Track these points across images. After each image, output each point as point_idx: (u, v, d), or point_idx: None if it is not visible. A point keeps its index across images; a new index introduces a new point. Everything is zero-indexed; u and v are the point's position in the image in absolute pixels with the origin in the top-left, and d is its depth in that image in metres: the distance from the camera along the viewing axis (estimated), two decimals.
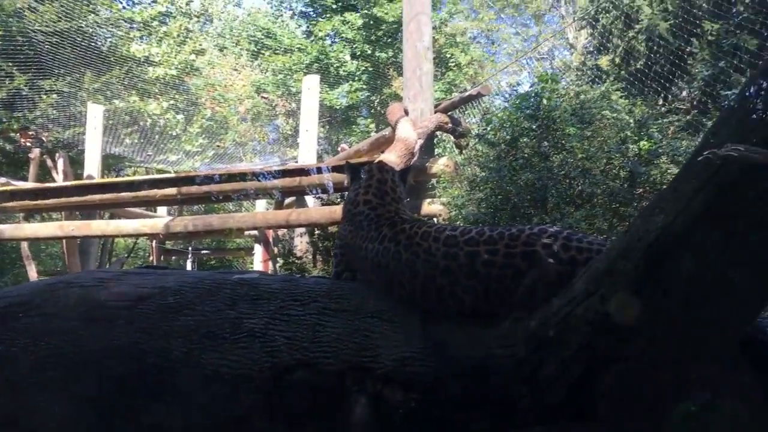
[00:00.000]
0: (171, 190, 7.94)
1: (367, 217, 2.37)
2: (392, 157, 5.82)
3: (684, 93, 10.00)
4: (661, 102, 9.67)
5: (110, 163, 18.42)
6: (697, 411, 1.72)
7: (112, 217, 14.00)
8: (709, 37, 9.47)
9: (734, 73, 8.75)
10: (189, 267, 17.06)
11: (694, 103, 9.76)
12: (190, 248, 16.94)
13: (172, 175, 9.84)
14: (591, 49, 12.75)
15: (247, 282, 2.46)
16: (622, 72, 10.47)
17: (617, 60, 11.16)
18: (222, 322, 2.27)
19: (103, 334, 2.35)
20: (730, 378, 1.76)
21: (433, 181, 6.96)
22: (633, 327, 1.63)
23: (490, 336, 1.99)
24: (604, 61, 11.67)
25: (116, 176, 19.88)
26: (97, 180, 10.76)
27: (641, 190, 5.02)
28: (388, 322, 2.16)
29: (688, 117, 6.82)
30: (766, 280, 1.47)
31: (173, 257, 18.66)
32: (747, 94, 1.49)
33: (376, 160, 5.40)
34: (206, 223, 8.27)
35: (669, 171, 4.98)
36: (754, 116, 1.43)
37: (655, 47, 10.29)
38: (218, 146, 20.84)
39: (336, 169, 7.91)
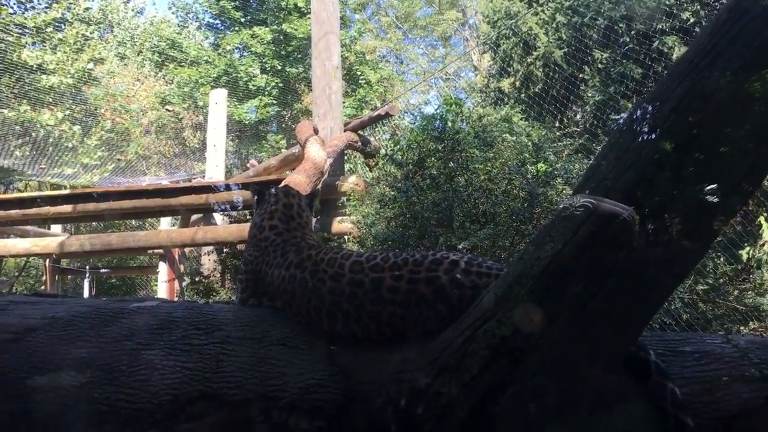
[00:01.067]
0: (66, 208, 7.50)
1: (272, 243, 2.36)
2: (301, 177, 5.80)
3: (578, 116, 10.64)
4: (557, 124, 10.24)
5: None
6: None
7: (0, 235, 13.04)
8: (599, 65, 10.14)
9: (622, 99, 9.41)
10: (86, 287, 16.10)
11: (587, 126, 10.40)
12: (87, 267, 15.99)
13: (67, 191, 9.29)
14: (493, 72, 13.31)
15: (147, 310, 2.37)
16: (522, 95, 11.00)
17: (517, 83, 11.71)
18: (118, 354, 2.17)
19: None
20: (616, 396, 1.88)
21: (343, 199, 7.00)
22: (527, 349, 1.71)
23: (395, 361, 2.03)
24: (505, 84, 12.20)
25: (5, 190, 18.54)
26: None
27: (539, 210, 5.28)
28: (294, 349, 2.15)
29: (580, 140, 7.27)
30: (645, 306, 1.59)
31: (69, 276, 17.57)
32: (623, 128, 1.62)
33: (282, 183, 5.36)
34: (105, 242, 7.87)
35: (564, 191, 5.28)
36: (629, 150, 1.55)
37: (551, 73, 10.89)
38: (119, 159, 19.90)
39: (245, 186, 7.77)
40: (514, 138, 5.41)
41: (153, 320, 2.31)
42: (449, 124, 5.08)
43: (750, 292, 6.35)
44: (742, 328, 5.82)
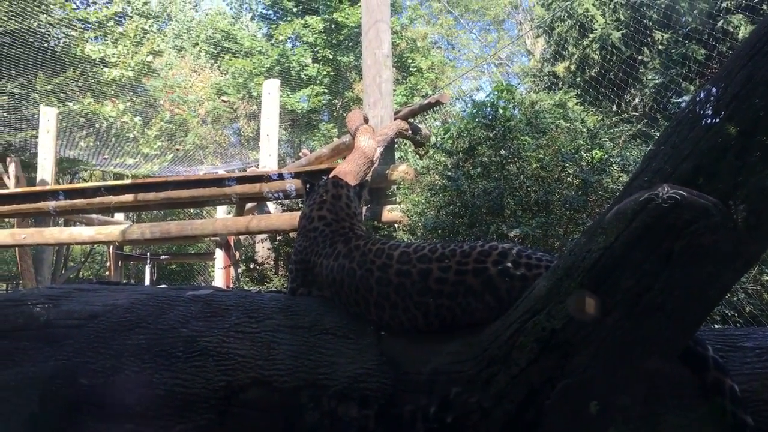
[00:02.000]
0: (127, 197, 7.79)
1: (321, 233, 2.39)
2: (351, 167, 5.83)
3: (636, 100, 10.29)
4: (614, 109, 9.93)
5: (65, 166, 17.95)
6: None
7: (67, 223, 13.65)
8: (660, 47, 9.77)
9: (684, 82, 9.04)
10: (147, 273, 16.74)
11: (646, 110, 10.05)
12: (148, 254, 16.61)
13: (128, 181, 9.64)
14: (547, 56, 13.01)
15: (201, 298, 2.45)
16: (577, 79, 10.71)
17: (572, 67, 11.41)
18: (175, 341, 2.25)
19: (52, 354, 2.31)
20: (673, 392, 1.83)
21: (393, 188, 7.00)
22: (577, 342, 1.68)
23: (442, 352, 2.03)
24: (560, 68, 11.91)
25: (71, 180, 19.39)
26: (51, 186, 10.47)
27: (594, 197, 5.15)
28: (343, 339, 2.17)
29: (639, 126, 7.03)
30: (702, 301, 1.53)
31: (131, 263, 18.30)
32: (680, 119, 1.55)
33: (332, 173, 5.40)
34: (164, 230, 8.14)
35: (620, 179, 5.13)
36: (690, 136, 1.49)
37: (608, 55, 10.56)
38: (177, 149, 20.50)
39: (297, 175, 7.87)
40: (569, 124, 5.28)
41: (207, 308, 2.38)
42: (500, 111, 4.99)
43: None
44: None
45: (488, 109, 5.05)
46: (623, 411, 1.79)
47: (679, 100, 9.01)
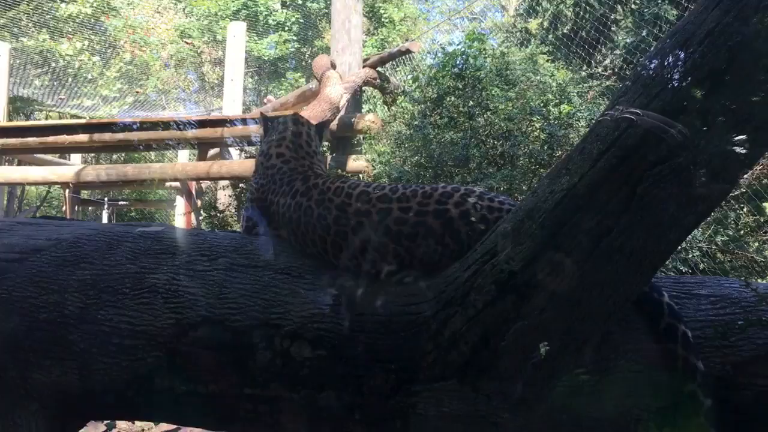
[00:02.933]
0: (82, 137, 7.49)
1: (279, 171, 2.29)
2: (315, 112, 5.68)
3: (607, 60, 10.26)
4: (585, 68, 9.90)
5: (18, 106, 17.20)
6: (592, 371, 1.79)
7: (20, 164, 13.16)
8: (633, 6, 9.70)
9: (654, 42, 9.03)
10: (105, 218, 16.34)
11: (616, 70, 10.03)
12: (107, 199, 16.17)
13: (84, 120, 9.27)
14: (521, 11, 12.84)
15: (151, 235, 2.35)
16: (550, 36, 10.61)
17: (545, 23, 11.29)
18: (122, 277, 2.17)
19: None
20: (625, 337, 1.83)
21: (359, 137, 6.89)
22: (534, 285, 1.65)
23: (398, 294, 1.99)
24: (533, 24, 11.78)
25: (26, 120, 18.62)
26: (2, 123, 9.99)
27: (559, 152, 5.14)
28: (298, 278, 2.11)
29: (608, 82, 7.02)
30: (662, 244, 1.51)
31: (89, 208, 17.84)
32: (652, 59, 1.50)
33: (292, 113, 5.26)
34: (120, 173, 7.88)
35: (583, 134, 5.12)
36: (657, 81, 1.44)
37: (581, 12, 10.46)
38: (138, 92, 19.82)
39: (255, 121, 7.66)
40: (538, 77, 5.21)
41: (157, 245, 2.29)
42: (471, 60, 4.89)
43: None
44: (760, 279, 5.72)
45: (458, 59, 4.94)
46: (575, 355, 1.79)
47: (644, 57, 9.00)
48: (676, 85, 1.38)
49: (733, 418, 1.73)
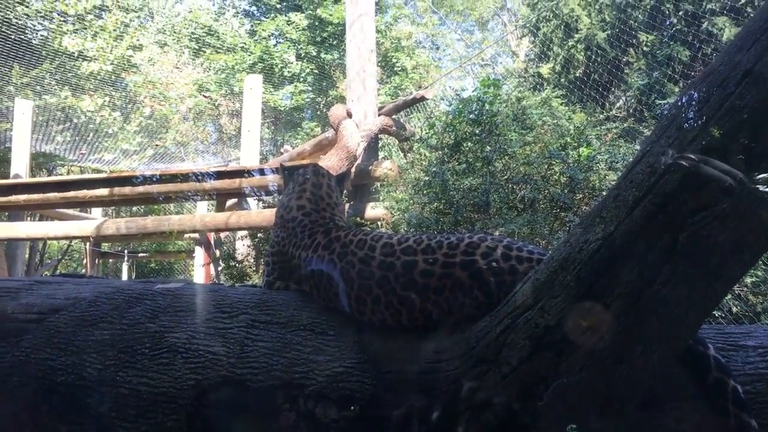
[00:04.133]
0: (103, 191, 7.56)
1: (300, 224, 2.25)
2: (333, 161, 5.69)
3: (620, 102, 10.28)
4: (598, 110, 9.90)
5: (41, 161, 17.54)
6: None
7: (42, 218, 13.34)
8: (644, 48, 9.75)
9: (668, 83, 9.03)
10: (125, 270, 16.40)
11: (630, 111, 10.03)
12: (126, 251, 16.27)
13: (104, 175, 9.40)
14: (532, 56, 12.98)
15: (170, 292, 2.30)
16: (562, 80, 10.67)
17: (557, 68, 11.37)
18: (141, 337, 2.11)
19: (8, 350, 2.15)
20: (670, 394, 1.72)
21: (377, 184, 6.88)
22: (573, 341, 1.57)
23: (427, 350, 1.91)
24: (545, 69, 11.87)
25: (48, 176, 18.98)
26: (25, 179, 10.16)
27: (581, 195, 5.07)
28: (321, 335, 2.04)
29: (625, 124, 6.97)
30: (708, 294, 1.42)
31: (110, 260, 17.95)
32: (685, 101, 1.45)
33: (312, 164, 5.26)
34: (140, 226, 7.91)
35: (607, 177, 5.05)
36: (693, 124, 1.38)
37: (593, 56, 10.53)
38: (158, 145, 20.16)
39: (279, 171, 7.69)
40: (555, 121, 5.19)
41: (177, 302, 2.24)
42: (486, 106, 4.89)
43: None
44: None
45: (474, 105, 4.94)
46: (619, 415, 1.68)
47: (664, 102, 9.00)
48: (715, 127, 1.32)
49: None
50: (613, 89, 10.29)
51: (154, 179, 7.81)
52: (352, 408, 1.89)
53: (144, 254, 18.43)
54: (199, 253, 12.24)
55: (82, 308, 2.23)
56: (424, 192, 5.30)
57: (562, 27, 10.79)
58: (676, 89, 9.10)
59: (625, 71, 9.90)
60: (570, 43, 10.75)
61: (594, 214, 1.58)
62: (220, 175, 7.17)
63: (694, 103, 1.40)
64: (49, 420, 2.05)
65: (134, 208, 18.99)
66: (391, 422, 1.88)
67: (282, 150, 10.91)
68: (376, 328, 2.00)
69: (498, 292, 1.85)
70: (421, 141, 5.46)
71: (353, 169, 6.37)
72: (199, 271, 11.63)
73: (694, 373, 1.72)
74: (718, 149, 1.35)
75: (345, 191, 2.62)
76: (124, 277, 16.34)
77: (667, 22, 9.31)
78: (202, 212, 13.24)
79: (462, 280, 1.88)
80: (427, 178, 5.16)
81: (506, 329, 1.70)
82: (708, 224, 1.34)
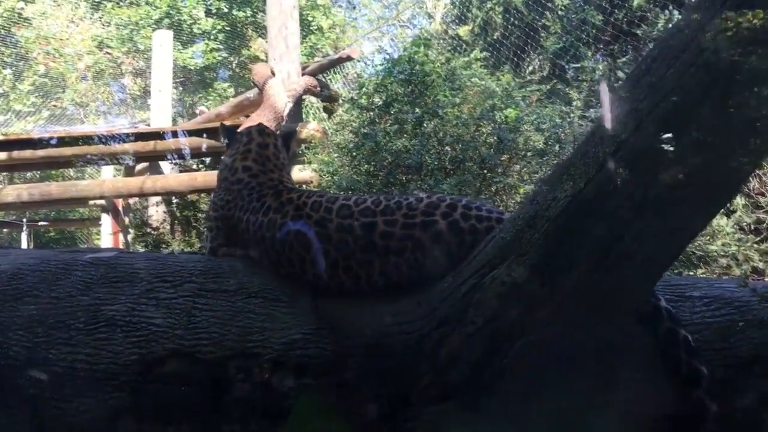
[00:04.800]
0: (0, 155, 6.94)
1: (247, 186, 2.12)
2: (261, 122, 5.46)
3: (535, 64, 10.49)
4: (514, 73, 10.09)
5: None
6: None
7: None
8: (560, 12, 9.98)
9: (582, 46, 9.32)
10: (24, 240, 15.35)
11: (544, 74, 10.28)
12: (24, 220, 15.18)
13: (1, 137, 8.63)
14: (449, 19, 12.99)
15: (104, 262, 2.12)
16: (481, 42, 10.76)
17: (476, 29, 11.45)
18: (74, 311, 1.94)
19: None
20: (625, 344, 1.77)
21: (302, 146, 6.71)
22: (539, 298, 1.57)
23: (387, 313, 1.87)
24: (463, 31, 11.92)
25: None
26: None
27: (507, 156, 5.16)
28: (274, 302, 1.95)
29: (548, 86, 7.17)
30: (673, 248, 1.46)
31: (5, 230, 16.71)
32: (656, 55, 1.45)
33: (247, 124, 5.04)
34: (44, 192, 7.34)
35: (531, 138, 5.16)
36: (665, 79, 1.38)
37: (511, 18, 10.68)
38: (55, 106, 18.76)
39: (194, 133, 7.35)
40: (483, 83, 5.22)
41: (111, 273, 2.07)
42: (417, 67, 4.83)
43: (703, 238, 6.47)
44: (691, 272, 5.93)
45: (405, 64, 4.87)
46: (578, 367, 1.72)
47: (577, 65, 9.28)
48: (687, 87, 1.32)
49: (739, 421, 1.71)
50: (529, 51, 10.50)
51: (54, 142, 7.25)
52: (310, 375, 1.83)
53: (44, 223, 17.29)
54: (106, 220, 11.59)
55: (3, 281, 2.02)
56: (353, 154, 5.22)
57: None
58: (589, 53, 9.41)
59: (542, 34, 10.11)
60: (488, 6, 10.83)
61: (561, 172, 1.57)
62: (135, 137, 6.74)
63: (663, 58, 1.40)
64: None
65: (28, 174, 17.73)
66: (350, 388, 1.84)
67: (197, 111, 10.42)
68: (333, 293, 1.93)
69: (458, 252, 1.83)
70: (352, 102, 5.35)
71: (278, 131, 6.18)
72: (107, 239, 11.03)
73: (647, 323, 1.78)
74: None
75: (291, 151, 2.51)
76: (24, 247, 15.26)
77: None
78: (110, 177, 12.51)
79: (423, 240, 1.84)
80: (357, 140, 5.07)
81: (472, 288, 1.68)
82: (679, 179, 1.36)
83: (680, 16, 7.98)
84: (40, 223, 16.80)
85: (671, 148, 1.35)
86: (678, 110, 1.33)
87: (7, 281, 2.01)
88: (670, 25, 7.95)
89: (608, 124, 1.48)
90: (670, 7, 8.42)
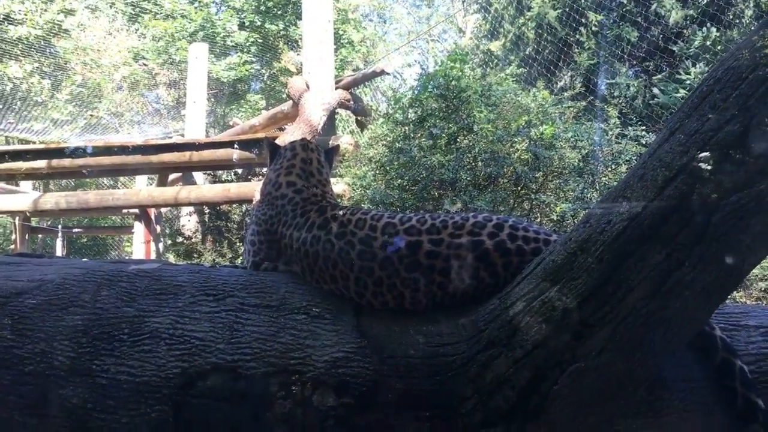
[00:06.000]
0: (39, 163, 7.09)
1: (291, 201, 2.12)
2: (296, 135, 5.51)
3: (567, 79, 10.41)
4: (549, 87, 10.01)
5: None
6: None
7: None
8: (593, 28, 9.90)
9: (616, 63, 9.22)
10: (59, 247, 15.65)
11: (576, 91, 10.19)
12: (59, 226, 15.49)
13: (41, 146, 8.83)
14: (481, 33, 12.99)
15: (148, 273, 2.13)
16: (512, 57, 10.73)
17: (508, 45, 11.42)
18: (118, 322, 1.95)
19: None
20: (676, 373, 1.72)
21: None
22: (591, 324, 1.53)
23: (431, 333, 1.83)
24: (495, 46, 11.90)
25: None
26: None
27: (540, 173, 5.11)
28: (317, 319, 1.94)
29: (584, 103, 7.08)
30: (734, 275, 1.41)
31: (40, 236, 17.09)
32: (719, 76, 1.41)
33: (283, 137, 5.07)
34: (81, 200, 7.48)
35: (567, 155, 5.10)
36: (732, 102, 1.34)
37: (544, 34, 10.63)
38: (91, 116, 19.17)
39: (227, 145, 7.42)
40: (519, 99, 5.18)
41: (155, 285, 2.08)
42: (454, 82, 4.81)
43: None
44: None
45: (440, 79, 4.86)
46: (629, 396, 1.67)
47: (612, 81, 9.18)
48: (753, 109, 1.28)
49: None
50: (561, 67, 10.42)
51: (89, 151, 7.37)
52: (351, 395, 1.81)
53: (78, 230, 17.64)
54: (139, 229, 11.77)
55: (49, 291, 2.04)
56: (387, 168, 5.21)
57: (514, 4, 10.82)
58: (624, 69, 9.30)
59: (575, 50, 10.03)
60: (521, 21, 10.79)
61: (616, 194, 1.54)
62: (170, 147, 6.83)
63: (728, 79, 1.36)
64: (18, 413, 1.88)
65: (63, 182, 18.10)
66: (392, 409, 1.81)
67: (231, 123, 10.55)
68: (376, 311, 1.91)
69: (505, 273, 1.80)
70: (387, 116, 5.35)
71: None
72: (139, 247, 11.18)
73: (701, 353, 1.72)
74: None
75: (333, 166, 2.50)
76: (58, 253, 15.57)
77: (617, 2, 9.47)
78: (144, 186, 12.71)
79: (468, 261, 1.81)
80: (390, 154, 5.07)
81: (520, 312, 1.64)
82: (743, 205, 1.32)
83: (716, 33, 7.83)
84: (74, 230, 17.13)
85: (736, 173, 1.30)
86: (744, 134, 1.29)
87: (54, 291, 2.03)
88: (707, 43, 7.82)
89: (668, 146, 1.44)
90: (708, 24, 8.29)
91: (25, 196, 8.50)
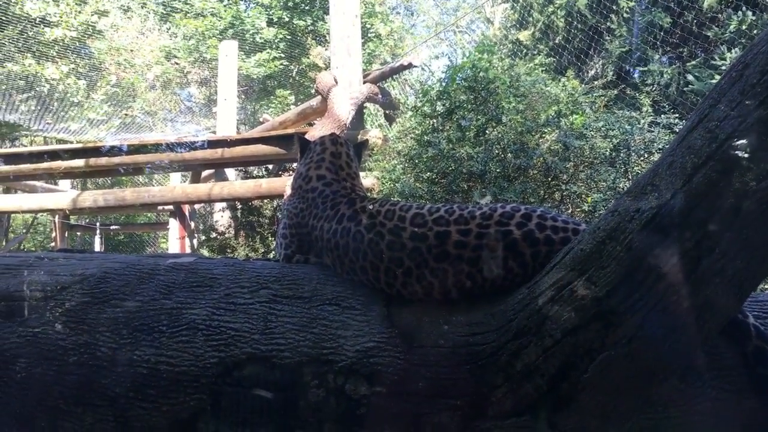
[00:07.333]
0: (77, 162, 7.29)
1: (321, 194, 2.16)
2: (325, 130, 5.56)
3: (598, 68, 10.25)
4: (579, 76, 9.87)
5: (3, 131, 16.91)
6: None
7: (8, 191, 12.91)
8: (625, 14, 9.72)
9: (649, 50, 9.04)
10: (97, 243, 16.07)
11: (608, 79, 10.03)
12: (98, 224, 15.90)
13: (78, 145, 9.08)
14: (509, 23, 12.86)
15: (184, 267, 2.20)
16: (541, 46, 10.61)
17: (537, 34, 11.29)
18: (157, 314, 2.02)
19: (14, 329, 2.04)
20: (709, 362, 1.71)
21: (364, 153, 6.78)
22: (623, 312, 1.53)
23: (461, 323, 1.86)
24: (524, 35, 11.78)
25: (11, 146, 18.32)
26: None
27: (572, 163, 5.06)
28: (348, 310, 1.98)
29: (615, 91, 6.98)
30: (764, 263, 1.40)
31: (78, 233, 17.56)
32: (748, 61, 1.39)
33: (312, 132, 5.12)
34: (118, 198, 7.68)
35: (598, 144, 5.04)
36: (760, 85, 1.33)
37: (573, 22, 10.48)
38: (126, 115, 19.57)
39: (260, 141, 7.52)
40: (548, 89, 5.13)
41: (192, 278, 2.14)
42: (482, 73, 4.80)
43: None
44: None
45: (468, 71, 4.85)
46: (660, 385, 1.67)
47: (644, 68, 9.02)
48: None
49: None
50: (592, 55, 10.27)
51: (125, 149, 7.56)
52: (383, 384, 1.84)
53: (116, 227, 18.07)
54: (174, 225, 12.02)
55: (92, 285, 2.12)
56: (416, 161, 5.22)
57: None
58: (656, 56, 9.12)
59: (606, 37, 9.87)
60: (550, 9, 10.66)
61: (645, 182, 1.53)
62: (204, 144, 6.96)
63: (756, 64, 1.35)
64: (62, 403, 1.96)
65: (99, 180, 18.54)
66: (423, 397, 1.84)
67: (261, 119, 10.68)
68: (405, 301, 1.94)
69: (533, 262, 1.81)
70: (415, 109, 5.36)
71: None
72: (174, 243, 11.41)
73: (734, 341, 1.71)
74: None
75: (362, 160, 2.55)
76: (97, 250, 15.99)
77: None
78: (179, 183, 12.96)
79: (497, 250, 1.83)
80: (419, 147, 5.08)
81: (549, 301, 1.65)
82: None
83: (752, 17, 7.62)
84: (111, 228, 17.56)
85: (766, 159, 1.29)
86: None
87: (95, 284, 2.11)
88: (743, 27, 7.61)
89: (697, 133, 1.44)
90: (744, 8, 8.07)
91: (64, 195, 8.76)
